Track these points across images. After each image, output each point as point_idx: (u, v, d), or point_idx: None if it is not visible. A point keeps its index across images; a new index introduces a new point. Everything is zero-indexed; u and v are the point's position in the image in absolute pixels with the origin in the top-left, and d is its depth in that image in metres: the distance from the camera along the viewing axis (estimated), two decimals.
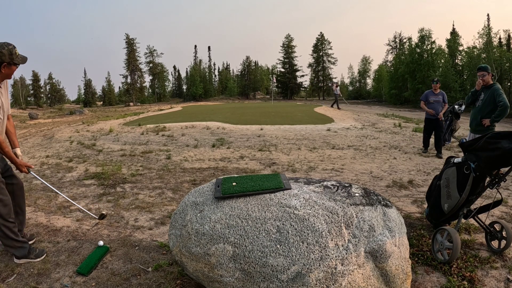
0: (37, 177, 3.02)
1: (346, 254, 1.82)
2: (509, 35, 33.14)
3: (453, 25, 40.97)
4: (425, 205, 3.78)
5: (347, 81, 63.12)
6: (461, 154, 2.94)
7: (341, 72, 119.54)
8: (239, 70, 63.50)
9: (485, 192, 2.79)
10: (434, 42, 35.43)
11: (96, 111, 32.11)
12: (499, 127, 6.05)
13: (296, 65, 57.64)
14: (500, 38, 31.80)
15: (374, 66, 54.97)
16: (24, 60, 2.63)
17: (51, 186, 3.08)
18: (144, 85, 57.29)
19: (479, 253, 2.76)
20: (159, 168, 5.94)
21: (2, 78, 2.59)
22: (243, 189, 2.15)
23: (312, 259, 1.78)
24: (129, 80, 54.31)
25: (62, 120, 20.52)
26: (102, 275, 2.50)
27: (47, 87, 58.76)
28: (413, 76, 34.79)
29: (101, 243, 2.88)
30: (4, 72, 2.55)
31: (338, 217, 1.91)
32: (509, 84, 29.03)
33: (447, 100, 7.47)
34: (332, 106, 21.39)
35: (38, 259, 2.74)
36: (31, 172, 2.91)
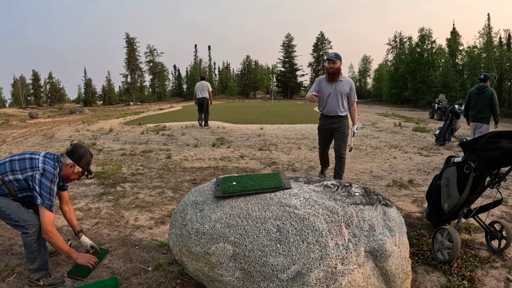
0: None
1: (346, 253, 1.82)
2: (509, 35, 33.10)
3: (453, 24, 40.95)
4: (425, 205, 3.77)
5: None
6: (462, 154, 2.94)
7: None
8: (239, 70, 63.62)
9: (485, 191, 2.79)
10: (434, 41, 35.44)
11: (96, 111, 32.12)
12: (500, 127, 6.04)
13: (296, 64, 57.63)
14: (500, 38, 31.81)
15: (374, 66, 55.02)
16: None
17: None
18: (144, 84, 57.37)
19: (479, 253, 2.76)
20: (159, 168, 5.94)
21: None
22: (243, 189, 2.15)
23: (312, 258, 1.78)
24: (129, 80, 54.37)
25: (62, 119, 20.52)
26: (102, 275, 2.50)
27: (47, 87, 58.84)
28: (413, 75, 34.81)
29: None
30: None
31: (338, 216, 1.91)
32: (509, 84, 29.03)
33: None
34: None
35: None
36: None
